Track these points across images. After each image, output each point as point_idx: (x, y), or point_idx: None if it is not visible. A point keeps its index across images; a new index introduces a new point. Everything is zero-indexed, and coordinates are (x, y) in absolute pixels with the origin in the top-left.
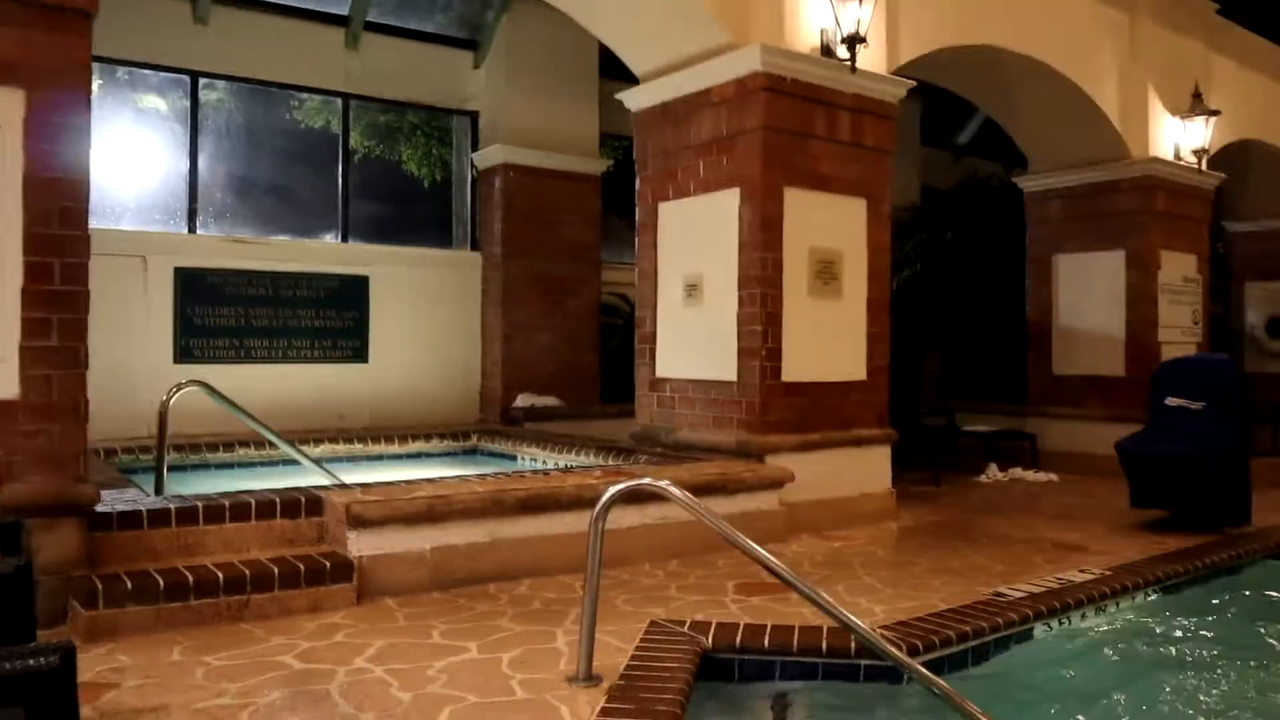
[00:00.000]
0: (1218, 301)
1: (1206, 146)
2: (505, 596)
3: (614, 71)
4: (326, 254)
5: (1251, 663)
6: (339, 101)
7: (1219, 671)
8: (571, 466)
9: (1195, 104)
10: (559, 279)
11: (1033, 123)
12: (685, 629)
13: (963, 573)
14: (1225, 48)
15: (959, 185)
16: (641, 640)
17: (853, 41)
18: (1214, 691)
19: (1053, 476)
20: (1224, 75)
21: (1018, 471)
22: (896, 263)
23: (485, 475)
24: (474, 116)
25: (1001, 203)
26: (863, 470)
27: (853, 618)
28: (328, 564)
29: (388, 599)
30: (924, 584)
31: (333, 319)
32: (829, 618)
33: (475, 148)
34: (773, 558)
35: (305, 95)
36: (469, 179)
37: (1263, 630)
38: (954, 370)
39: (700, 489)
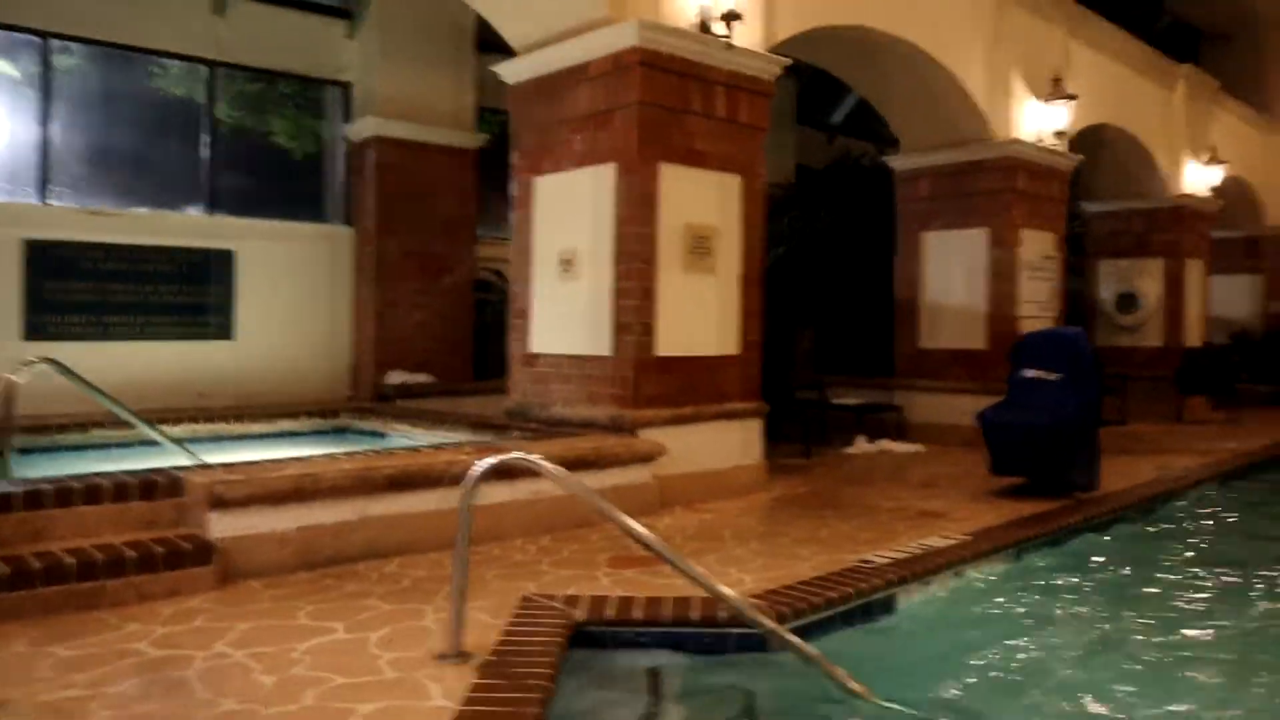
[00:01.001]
0: (1076, 278)
1: (1066, 130)
2: (374, 575)
3: (491, 44)
4: (190, 227)
5: (1104, 618)
6: (204, 69)
7: (1075, 629)
8: (443, 443)
9: (1055, 88)
10: (433, 254)
11: (903, 104)
12: (557, 603)
13: (831, 542)
14: (1084, 35)
15: (832, 164)
16: (513, 615)
17: (729, 18)
18: (1071, 648)
19: (919, 447)
20: (1082, 62)
21: (885, 443)
22: (771, 239)
23: (355, 453)
24: (347, 88)
25: (873, 182)
26: (735, 443)
27: (723, 587)
28: (187, 547)
29: (252, 581)
30: (793, 553)
31: (196, 294)
32: (700, 588)
33: (348, 120)
34: (645, 530)
35: (168, 62)
36: (341, 152)
37: (1113, 588)
38: (827, 345)
39: (573, 463)
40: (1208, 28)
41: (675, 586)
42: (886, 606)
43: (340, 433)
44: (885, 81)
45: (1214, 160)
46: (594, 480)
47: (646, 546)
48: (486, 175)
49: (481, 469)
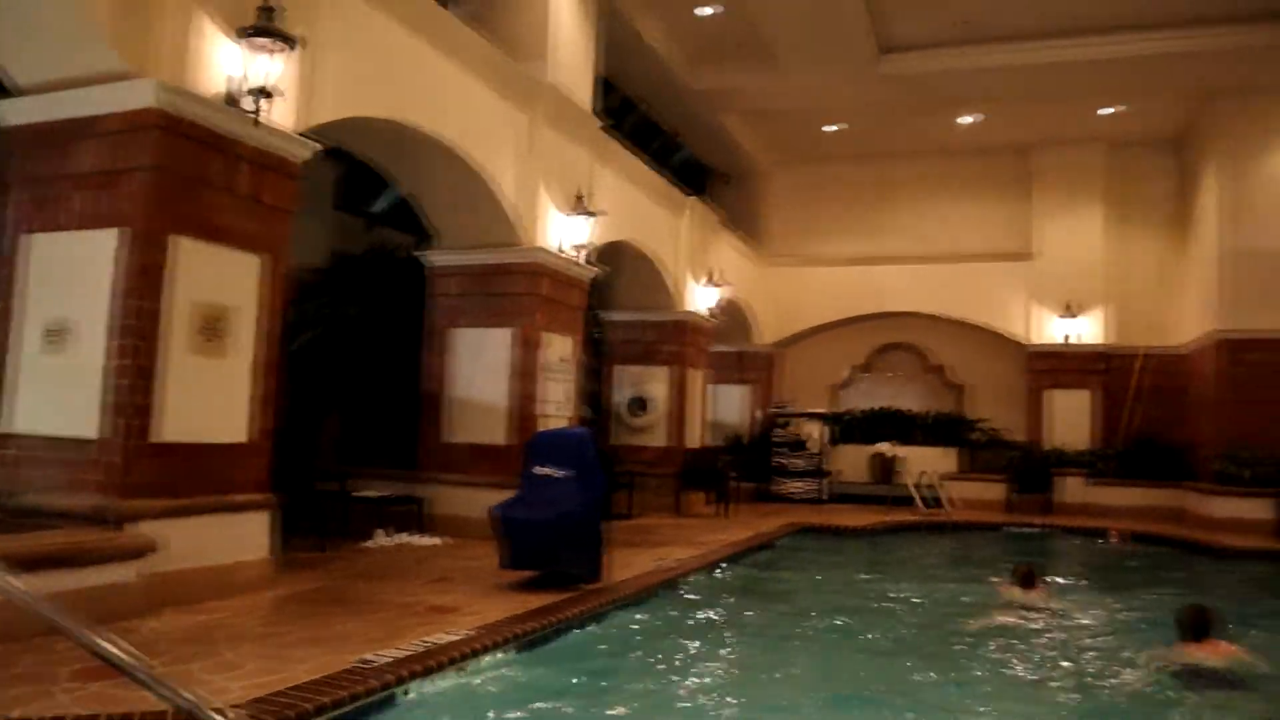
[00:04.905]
0: (594, 380)
1: (586, 243)
2: None
3: None
4: None
5: (606, 702)
6: None
7: (577, 716)
8: None
9: (579, 204)
10: None
11: (439, 202)
12: None
13: (334, 641)
14: (607, 159)
15: (368, 253)
16: None
17: (259, 94)
18: None
19: (438, 540)
20: (605, 183)
21: (406, 536)
22: (299, 324)
23: None
24: None
25: (408, 274)
26: (240, 537)
27: (194, 699)
28: None
29: None
30: (291, 655)
31: None
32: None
33: None
34: (98, 639)
35: None
36: None
37: (611, 672)
38: (354, 435)
39: (40, 561)
40: (716, 167)
41: (150, 700)
42: (385, 706)
43: None
44: (422, 178)
45: (713, 283)
46: (69, 580)
47: (102, 659)
48: None
49: None
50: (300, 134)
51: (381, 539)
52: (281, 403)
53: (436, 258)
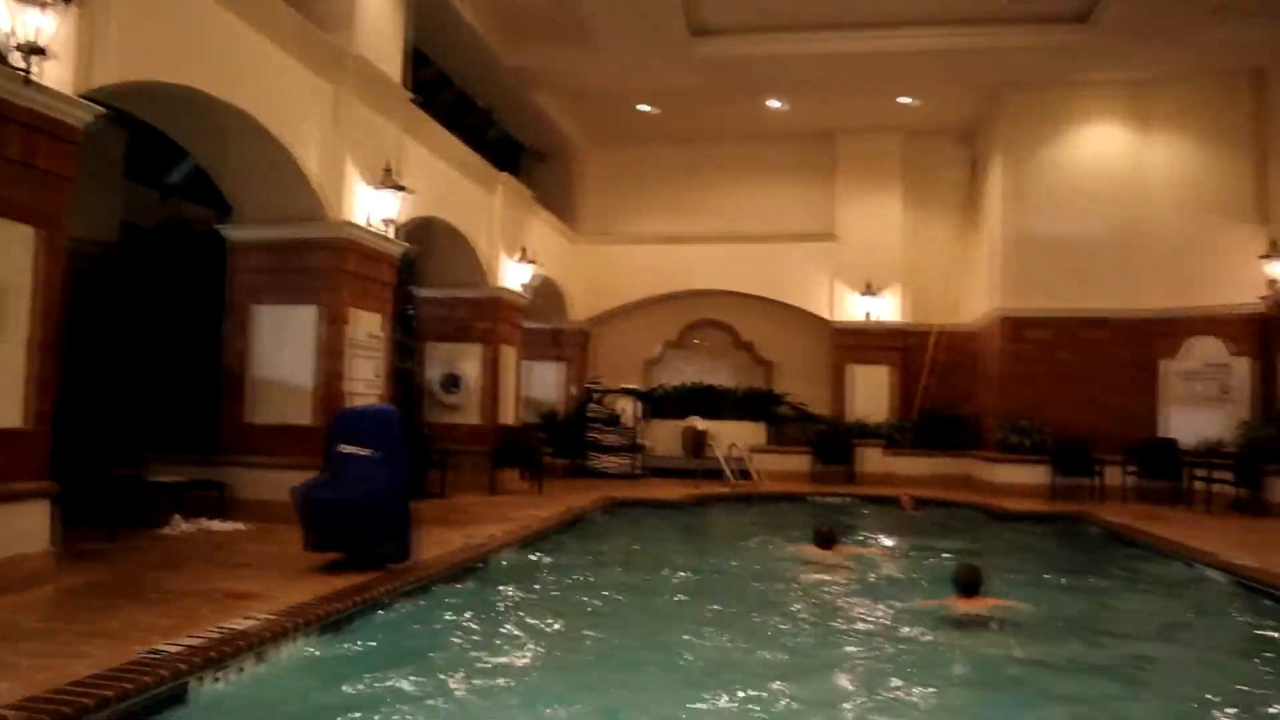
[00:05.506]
0: (408, 358)
1: (395, 217)
2: None
3: None
4: None
5: (417, 685)
6: None
7: (385, 703)
8: None
9: (386, 178)
10: None
11: (238, 173)
12: None
13: (122, 633)
14: (417, 133)
15: (162, 225)
16: None
17: (30, 51)
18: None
19: (240, 525)
20: (415, 157)
21: (205, 522)
22: (86, 301)
23: None
24: None
25: (208, 249)
26: (16, 529)
27: None
28: None
29: None
30: (73, 651)
31: None
32: None
33: None
34: None
35: None
36: None
37: (421, 652)
38: (153, 418)
39: None
40: (531, 145)
41: None
42: (177, 698)
43: None
44: (219, 148)
45: (525, 259)
46: None
47: None
48: None
49: None
50: (81, 96)
51: (180, 525)
52: (66, 385)
53: (237, 232)
